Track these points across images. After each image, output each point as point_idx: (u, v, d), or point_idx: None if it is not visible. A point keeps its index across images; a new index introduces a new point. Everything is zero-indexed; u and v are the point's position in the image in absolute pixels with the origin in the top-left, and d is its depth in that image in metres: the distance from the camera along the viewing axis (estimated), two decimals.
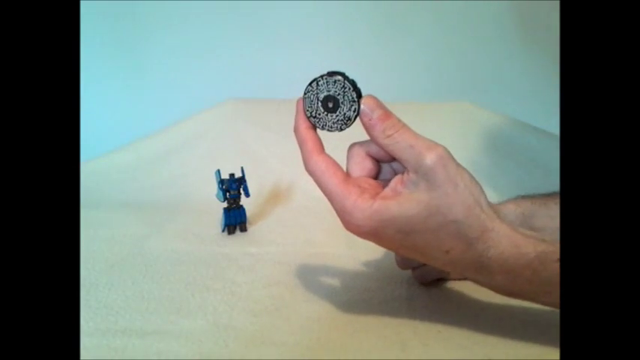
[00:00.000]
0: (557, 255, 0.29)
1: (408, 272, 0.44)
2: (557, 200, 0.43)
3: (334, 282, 0.44)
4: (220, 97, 0.93)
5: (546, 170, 0.73)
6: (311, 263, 0.48)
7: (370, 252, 0.49)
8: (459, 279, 0.43)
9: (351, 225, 0.31)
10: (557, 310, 0.27)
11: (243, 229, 0.57)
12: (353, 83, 0.32)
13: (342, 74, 0.32)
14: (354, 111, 0.32)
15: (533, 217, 0.43)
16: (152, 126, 0.90)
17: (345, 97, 0.32)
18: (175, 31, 0.95)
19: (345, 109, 0.32)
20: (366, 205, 0.30)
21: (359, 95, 0.32)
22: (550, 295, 0.30)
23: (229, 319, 0.37)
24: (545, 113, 0.93)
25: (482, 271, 0.30)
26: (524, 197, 0.45)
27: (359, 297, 0.41)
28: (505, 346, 0.33)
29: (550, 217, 0.43)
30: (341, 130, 0.33)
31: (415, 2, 0.93)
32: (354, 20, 0.94)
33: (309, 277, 0.45)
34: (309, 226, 0.59)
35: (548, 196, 0.45)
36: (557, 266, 0.29)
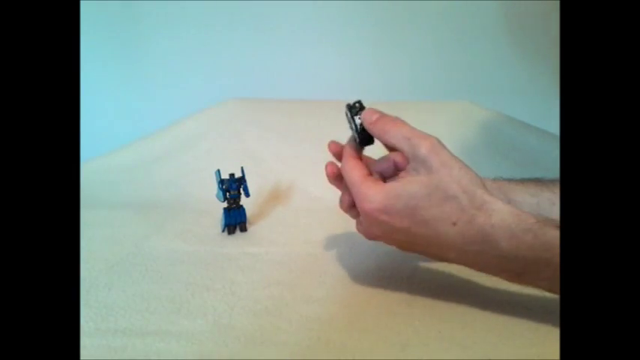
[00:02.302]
0: (556, 222, 0.31)
1: (409, 272, 0.44)
2: (537, 182, 0.45)
3: (334, 282, 0.44)
4: (221, 96, 0.93)
5: (546, 170, 0.72)
6: (311, 263, 0.48)
7: (370, 252, 0.49)
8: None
9: (365, 204, 0.36)
10: (557, 311, 0.27)
11: (243, 229, 0.57)
12: (353, 109, 0.41)
13: (348, 106, 0.41)
14: (356, 130, 0.40)
15: (511, 192, 0.44)
16: (152, 126, 0.90)
17: (351, 124, 0.41)
18: (176, 31, 0.95)
19: (354, 129, 0.40)
20: (378, 188, 0.36)
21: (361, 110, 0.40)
22: (549, 267, 0.31)
23: (229, 319, 0.37)
24: (545, 113, 0.93)
25: (488, 239, 0.33)
26: (503, 179, 0.46)
27: (359, 297, 0.41)
28: (505, 346, 0.33)
29: (529, 194, 0.44)
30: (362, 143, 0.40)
31: (415, 2, 0.93)
32: (355, 20, 0.94)
33: (309, 277, 0.45)
34: (309, 226, 0.59)
35: (527, 179, 0.46)
36: (556, 233, 0.31)
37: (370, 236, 0.40)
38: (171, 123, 0.90)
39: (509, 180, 0.46)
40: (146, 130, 0.90)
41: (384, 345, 0.33)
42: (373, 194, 0.36)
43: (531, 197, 0.44)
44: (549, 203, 0.43)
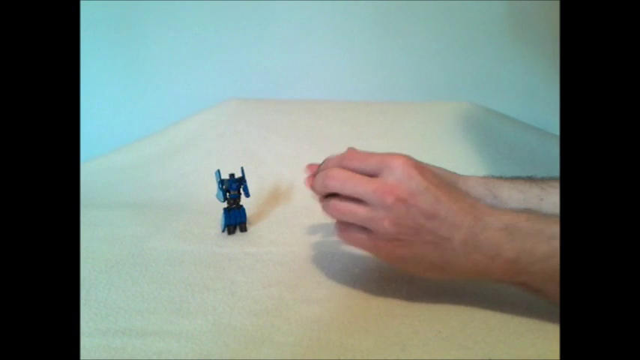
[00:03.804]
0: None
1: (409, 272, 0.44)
2: (527, 180, 0.46)
3: (334, 282, 0.44)
4: (221, 97, 0.93)
5: (546, 170, 0.72)
6: (311, 263, 0.48)
7: None
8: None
9: (395, 158, 0.35)
10: (557, 311, 0.27)
11: (243, 229, 0.57)
12: None
13: None
14: None
15: (498, 188, 0.45)
16: (152, 126, 0.90)
17: None
18: (176, 31, 0.95)
19: None
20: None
21: None
22: (542, 243, 0.32)
23: (229, 319, 0.37)
24: (545, 113, 0.93)
25: (494, 214, 0.34)
26: (493, 176, 0.47)
27: (359, 297, 0.41)
28: (505, 346, 0.33)
29: (517, 190, 0.45)
30: None
31: (416, 2, 0.93)
32: (355, 20, 0.94)
33: (309, 277, 0.45)
34: (309, 226, 0.59)
35: (518, 177, 0.47)
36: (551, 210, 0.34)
37: (386, 206, 0.34)
38: (171, 123, 0.90)
39: (499, 177, 0.47)
40: (146, 130, 0.90)
41: (384, 345, 0.33)
42: (401, 154, 0.36)
43: (518, 193, 0.44)
44: (537, 199, 0.43)
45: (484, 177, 0.47)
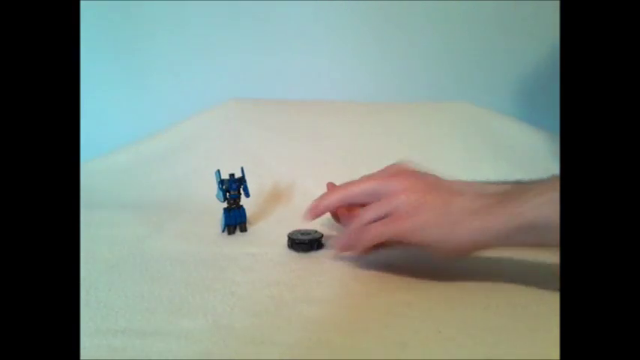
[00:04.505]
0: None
1: (409, 273, 0.44)
2: (515, 183, 0.47)
3: (334, 282, 0.44)
4: (221, 97, 0.93)
5: (546, 170, 0.73)
6: (311, 263, 0.48)
7: (370, 252, 0.49)
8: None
9: (398, 164, 0.48)
10: (557, 310, 0.27)
11: (243, 229, 0.57)
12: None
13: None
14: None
15: (482, 188, 0.46)
16: (152, 126, 0.90)
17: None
18: (176, 31, 0.95)
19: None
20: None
21: None
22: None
23: (229, 319, 0.37)
24: (545, 113, 0.92)
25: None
26: (479, 182, 0.49)
27: (359, 297, 0.41)
28: (505, 346, 0.33)
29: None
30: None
31: (415, 2, 0.93)
32: (354, 21, 0.94)
33: (309, 277, 0.45)
34: (309, 226, 0.59)
35: (504, 181, 0.48)
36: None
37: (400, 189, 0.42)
38: (171, 123, 0.90)
39: (485, 182, 0.48)
40: (146, 130, 0.90)
41: (384, 345, 0.33)
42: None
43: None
44: None
45: (468, 181, 0.48)
